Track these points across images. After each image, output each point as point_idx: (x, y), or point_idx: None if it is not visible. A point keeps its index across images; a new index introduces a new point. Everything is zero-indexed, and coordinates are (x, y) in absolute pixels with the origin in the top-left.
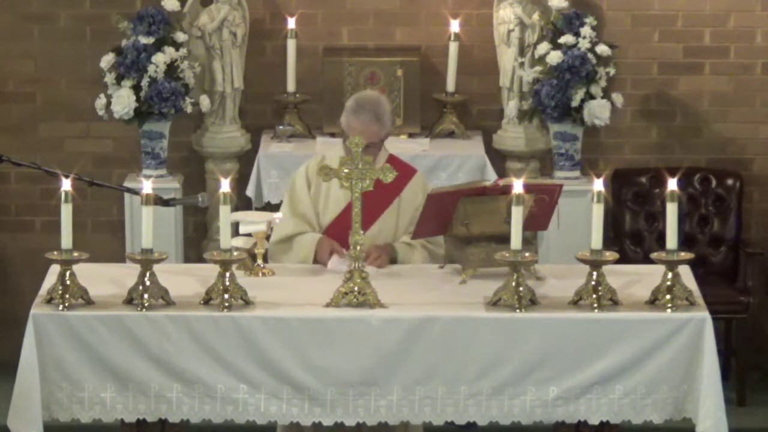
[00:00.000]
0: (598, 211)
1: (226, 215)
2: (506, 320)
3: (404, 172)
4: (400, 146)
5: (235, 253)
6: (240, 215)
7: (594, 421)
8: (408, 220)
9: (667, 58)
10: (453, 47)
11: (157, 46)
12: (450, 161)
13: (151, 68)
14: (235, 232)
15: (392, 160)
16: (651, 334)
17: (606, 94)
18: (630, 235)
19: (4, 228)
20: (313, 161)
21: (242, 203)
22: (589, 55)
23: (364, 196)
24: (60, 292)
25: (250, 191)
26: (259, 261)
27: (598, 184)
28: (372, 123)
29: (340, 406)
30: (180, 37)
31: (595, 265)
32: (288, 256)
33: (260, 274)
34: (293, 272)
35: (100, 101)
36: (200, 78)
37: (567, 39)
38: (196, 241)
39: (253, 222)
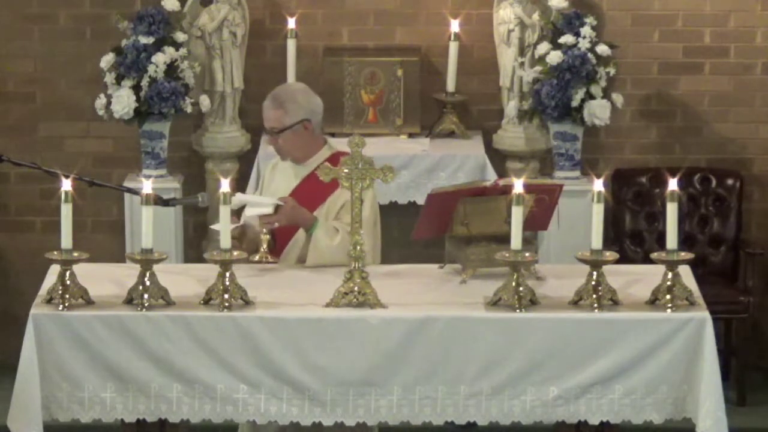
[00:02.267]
0: (598, 211)
1: (226, 215)
2: (506, 320)
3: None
4: (400, 146)
5: (235, 253)
6: (246, 198)
7: (594, 421)
8: (335, 211)
9: (667, 58)
10: (453, 47)
11: (157, 46)
12: (450, 161)
13: (151, 68)
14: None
15: (335, 157)
16: (651, 334)
17: (606, 94)
18: (630, 235)
19: (4, 228)
20: (271, 162)
21: None
22: (589, 55)
23: (305, 188)
24: (60, 292)
25: (249, 191)
26: (264, 246)
27: (598, 184)
28: (270, 108)
29: (340, 406)
30: (180, 37)
31: (595, 265)
32: None
33: (265, 259)
34: (293, 272)
35: (100, 101)
36: (200, 78)
37: (567, 39)
38: (196, 241)
39: (259, 204)
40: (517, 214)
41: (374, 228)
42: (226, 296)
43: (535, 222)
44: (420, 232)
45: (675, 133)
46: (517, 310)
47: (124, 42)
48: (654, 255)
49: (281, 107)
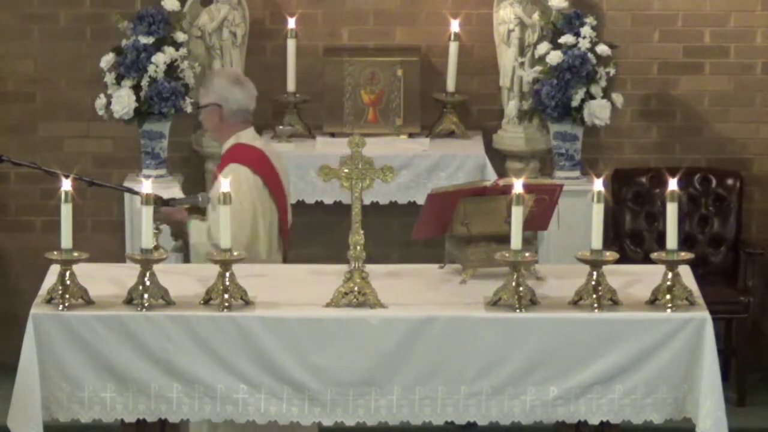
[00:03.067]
0: (598, 211)
1: (225, 215)
2: (506, 320)
3: (234, 159)
4: (400, 146)
5: (235, 254)
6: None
7: (594, 421)
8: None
9: (667, 58)
10: (453, 47)
11: (157, 46)
12: (450, 161)
13: (151, 68)
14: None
15: (236, 149)
16: (651, 334)
17: (606, 94)
18: (630, 235)
19: (4, 228)
20: None
21: None
22: (589, 55)
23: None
24: (60, 292)
25: None
26: (154, 240)
27: (598, 184)
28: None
29: (340, 406)
30: (180, 37)
31: (595, 265)
32: None
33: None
34: (293, 272)
35: (100, 101)
36: (200, 78)
37: (567, 39)
38: None
39: None
40: (517, 214)
41: (242, 218)
42: (226, 296)
43: (535, 222)
44: (420, 232)
45: (675, 133)
46: (517, 310)
47: (124, 42)
48: (654, 255)
49: (204, 86)
